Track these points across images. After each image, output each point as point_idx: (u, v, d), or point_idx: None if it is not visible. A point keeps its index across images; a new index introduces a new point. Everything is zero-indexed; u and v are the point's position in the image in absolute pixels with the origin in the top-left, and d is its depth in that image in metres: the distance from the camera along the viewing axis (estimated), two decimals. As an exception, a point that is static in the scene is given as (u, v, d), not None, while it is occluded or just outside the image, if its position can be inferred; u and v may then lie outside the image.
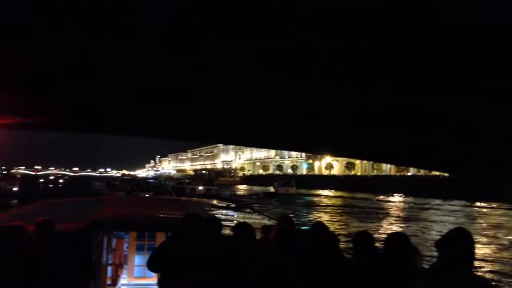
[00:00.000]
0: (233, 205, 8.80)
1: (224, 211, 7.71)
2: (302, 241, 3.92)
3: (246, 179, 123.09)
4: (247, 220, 5.41)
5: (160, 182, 55.09)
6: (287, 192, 64.92)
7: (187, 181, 60.72)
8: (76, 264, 4.16)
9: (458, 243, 2.88)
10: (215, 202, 9.46)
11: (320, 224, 4.21)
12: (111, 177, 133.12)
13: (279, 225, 4.23)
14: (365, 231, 4.12)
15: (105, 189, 44.64)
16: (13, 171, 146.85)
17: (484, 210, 41.54)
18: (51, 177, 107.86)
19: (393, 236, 3.72)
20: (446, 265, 2.88)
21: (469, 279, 2.83)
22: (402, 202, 49.98)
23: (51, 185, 75.47)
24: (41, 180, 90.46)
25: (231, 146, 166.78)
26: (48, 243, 3.96)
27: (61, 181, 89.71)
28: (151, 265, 4.19)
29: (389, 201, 52.25)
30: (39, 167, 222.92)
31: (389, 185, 67.91)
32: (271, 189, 70.39)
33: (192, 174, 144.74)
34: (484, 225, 29.35)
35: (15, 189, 49.58)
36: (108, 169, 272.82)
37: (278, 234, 3.91)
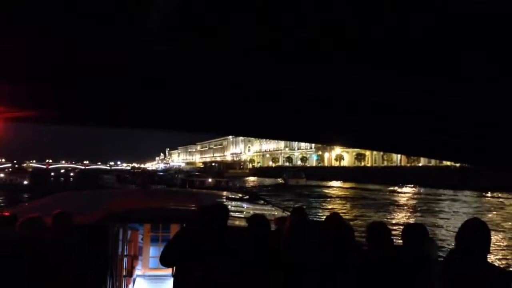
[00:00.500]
0: (246, 197, 8.79)
1: (238, 203, 7.72)
2: (315, 233, 3.89)
3: (256, 171, 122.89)
4: (261, 212, 5.40)
5: (170, 175, 55.08)
6: (297, 183, 64.99)
7: (196, 173, 60.66)
8: (93, 256, 4.18)
9: (474, 233, 2.90)
10: (229, 194, 9.48)
11: (335, 215, 4.18)
12: (121, 170, 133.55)
13: (293, 216, 4.22)
14: (380, 222, 4.09)
15: (115, 182, 44.56)
16: (24, 165, 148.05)
17: (498, 200, 41.02)
18: (62, 171, 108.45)
19: (410, 227, 3.74)
20: (462, 255, 2.90)
21: (485, 268, 2.85)
22: (416, 193, 49.39)
23: (62, 179, 76.00)
24: (52, 174, 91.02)
25: (240, 138, 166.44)
26: (66, 235, 3.99)
27: (72, 174, 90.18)
28: (164, 260, 4.09)
29: (403, 192, 51.77)
30: (50, 161, 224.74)
31: (400, 176, 67.49)
32: (280, 180, 70.25)
33: (201, 166, 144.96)
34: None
35: (25, 182, 49.98)
36: (118, 162, 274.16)
37: (291, 225, 3.88)
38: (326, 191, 55.32)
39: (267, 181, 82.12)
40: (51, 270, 3.49)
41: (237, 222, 5.30)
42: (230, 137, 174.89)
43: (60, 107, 4.40)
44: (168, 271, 5.75)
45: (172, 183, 39.83)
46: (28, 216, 3.75)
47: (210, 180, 44.00)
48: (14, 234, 3.72)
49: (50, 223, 4.04)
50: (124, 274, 6.15)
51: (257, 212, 5.41)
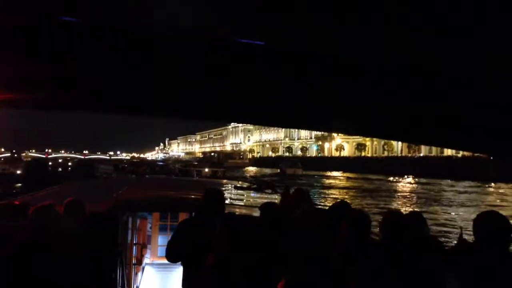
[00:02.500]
0: (254, 186, 9.27)
1: (246, 192, 8.08)
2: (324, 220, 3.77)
3: (256, 161, 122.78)
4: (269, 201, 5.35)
5: (167, 165, 54.68)
6: (294, 173, 67.08)
7: (194, 163, 61.35)
8: (104, 244, 4.15)
9: (491, 225, 2.90)
10: (237, 183, 9.89)
11: (344, 204, 4.15)
12: (120, 160, 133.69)
13: (296, 197, 4.31)
14: (395, 210, 4.03)
15: (112, 172, 43.77)
16: (23, 154, 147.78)
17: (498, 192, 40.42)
18: (60, 160, 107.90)
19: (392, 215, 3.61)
20: (482, 247, 2.89)
21: (507, 259, 2.84)
22: (424, 183, 48.54)
23: (60, 169, 75.34)
24: (50, 163, 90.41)
25: (240, 128, 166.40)
26: (78, 223, 4.01)
27: (70, 164, 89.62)
28: (170, 257, 4.15)
29: (410, 183, 51.13)
30: (50, 151, 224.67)
31: (401, 166, 67.07)
32: (278, 170, 72.77)
33: (201, 156, 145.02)
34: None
35: (18, 172, 48.89)
36: (118, 152, 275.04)
37: (302, 215, 3.66)
38: (330, 181, 54.76)
39: (267, 171, 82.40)
40: (65, 257, 3.48)
41: (244, 211, 5.44)
42: (230, 126, 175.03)
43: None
44: None
45: (172, 173, 39.27)
46: (41, 204, 3.73)
47: (206, 170, 44.47)
48: (26, 222, 3.72)
49: (62, 211, 4.03)
50: (133, 262, 6.20)
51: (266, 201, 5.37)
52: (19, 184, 35.79)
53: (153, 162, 79.69)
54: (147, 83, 3.86)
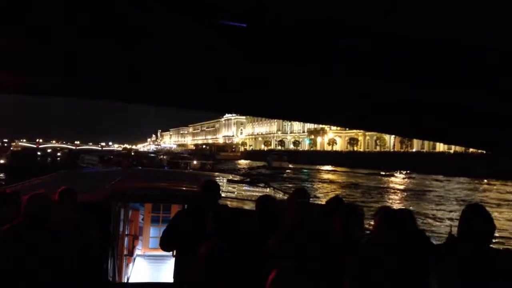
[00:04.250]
0: (247, 179, 9.12)
1: (239, 185, 7.98)
2: (318, 216, 3.89)
3: (248, 154, 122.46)
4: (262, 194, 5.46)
5: (156, 157, 54.13)
6: (281, 166, 69.37)
7: (183, 155, 61.50)
8: (95, 234, 4.17)
9: (479, 219, 2.91)
10: (230, 176, 9.73)
11: (338, 199, 4.14)
12: (106, 150, 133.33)
13: (295, 198, 4.23)
14: (387, 206, 4.03)
15: (97, 163, 43.07)
16: (13, 143, 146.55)
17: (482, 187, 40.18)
18: (49, 150, 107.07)
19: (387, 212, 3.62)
20: (465, 241, 2.91)
21: (490, 256, 2.88)
22: (422, 179, 48.30)
23: (49, 159, 74.62)
24: (39, 153, 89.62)
25: (233, 121, 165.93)
26: (71, 212, 4.03)
27: (59, 154, 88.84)
28: (164, 245, 4.17)
29: (409, 178, 50.84)
30: (41, 140, 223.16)
31: (393, 161, 66.93)
32: (265, 163, 76.25)
33: (193, 148, 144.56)
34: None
35: (1, 161, 48.13)
36: (110, 143, 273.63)
37: (296, 209, 3.82)
38: (324, 176, 54.42)
39: (259, 164, 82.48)
40: (58, 246, 3.53)
41: (236, 204, 5.54)
42: (223, 119, 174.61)
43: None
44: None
45: (160, 165, 38.64)
46: (35, 192, 3.73)
47: (195, 162, 44.29)
48: (18, 210, 3.80)
49: (56, 199, 4.01)
50: (125, 253, 6.22)
51: (257, 194, 5.51)
52: (1, 175, 35.03)
53: (142, 153, 79.05)
54: None
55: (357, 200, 27.21)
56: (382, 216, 3.45)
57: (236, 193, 7.02)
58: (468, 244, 2.91)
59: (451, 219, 18.93)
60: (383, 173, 56.08)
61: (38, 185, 5.93)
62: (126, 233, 6.40)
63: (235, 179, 8.96)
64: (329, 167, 72.46)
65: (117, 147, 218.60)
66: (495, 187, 40.41)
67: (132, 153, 67.80)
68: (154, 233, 7.98)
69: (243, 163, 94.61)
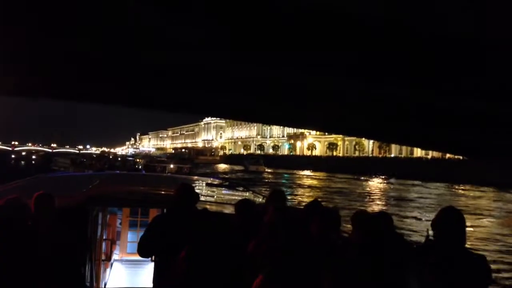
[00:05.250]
0: (226, 183, 8.94)
1: (218, 189, 7.86)
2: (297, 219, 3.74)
3: (227, 158, 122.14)
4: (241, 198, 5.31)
5: (132, 160, 53.47)
6: (257, 170, 72.31)
7: (163, 159, 61.48)
8: (73, 239, 4.09)
9: (449, 221, 3.02)
10: (208, 180, 9.50)
11: (316, 202, 4.14)
12: (89, 154, 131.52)
13: (272, 201, 4.29)
14: (363, 210, 4.12)
15: (69, 166, 42.14)
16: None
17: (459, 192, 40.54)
18: (23, 153, 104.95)
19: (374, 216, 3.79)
20: (440, 243, 3.01)
21: (463, 255, 2.98)
22: (399, 184, 48.61)
23: (23, 162, 72.97)
24: (13, 156, 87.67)
25: (212, 125, 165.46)
26: (48, 217, 3.94)
27: (34, 157, 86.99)
28: (142, 251, 4.09)
29: (387, 183, 51.04)
30: (16, 143, 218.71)
31: (372, 166, 67.39)
32: (242, 167, 78.91)
33: (172, 152, 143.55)
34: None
35: None
36: (88, 146, 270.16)
37: (274, 211, 3.73)
38: (306, 181, 54.35)
39: (238, 168, 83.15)
40: (33, 251, 3.47)
41: (217, 208, 5.46)
42: (202, 123, 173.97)
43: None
44: None
45: (134, 169, 37.92)
46: (9, 197, 3.67)
47: (172, 166, 43.68)
48: None
49: (32, 204, 3.93)
50: (102, 258, 6.14)
51: (237, 198, 5.48)
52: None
53: (115, 157, 78.09)
54: None
55: (336, 203, 27.11)
56: (357, 219, 3.61)
57: (215, 197, 6.91)
58: (444, 244, 3.01)
59: (428, 221, 18.91)
60: (362, 178, 56.35)
61: (12, 189, 5.62)
62: (103, 237, 6.36)
63: (214, 182, 8.68)
64: (308, 172, 72.58)
65: (95, 150, 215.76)
66: (471, 193, 40.80)
67: (110, 157, 66.88)
68: (132, 237, 7.91)
69: (222, 167, 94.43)
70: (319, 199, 4.70)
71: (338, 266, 3.12)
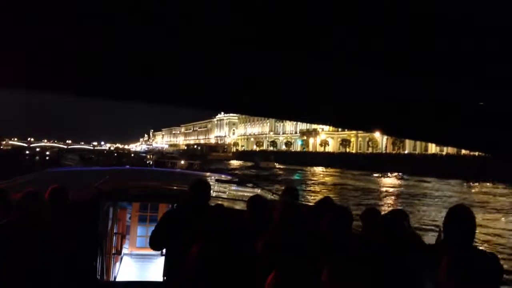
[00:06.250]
0: (236, 180, 8.99)
1: (228, 185, 7.93)
2: (308, 216, 3.87)
3: (239, 155, 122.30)
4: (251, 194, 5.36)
5: (142, 156, 53.79)
6: (267, 166, 73.36)
7: (168, 154, 62.35)
8: (85, 233, 4.14)
9: (459, 219, 2.98)
10: (218, 176, 9.61)
11: (327, 199, 4.25)
12: (86, 149, 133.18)
13: (284, 197, 4.49)
14: (373, 207, 4.21)
15: (78, 162, 42.53)
16: (3, 142, 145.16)
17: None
18: (37, 149, 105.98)
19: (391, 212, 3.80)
20: (451, 242, 2.98)
21: (475, 253, 2.90)
22: (413, 181, 47.98)
23: (37, 158, 73.63)
24: (27, 152, 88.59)
25: (225, 121, 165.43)
26: (62, 211, 3.99)
27: (47, 153, 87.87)
28: (154, 244, 4.17)
29: (400, 180, 50.36)
30: (32, 139, 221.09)
31: (386, 163, 66.58)
32: (252, 163, 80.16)
33: (184, 148, 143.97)
34: None
35: None
36: (102, 143, 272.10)
37: (282, 207, 3.70)
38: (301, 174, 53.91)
39: (248, 164, 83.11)
40: (47, 246, 3.50)
41: (229, 204, 5.44)
42: (215, 119, 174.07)
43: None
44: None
45: (144, 165, 38.11)
46: (27, 190, 3.70)
47: (182, 162, 43.90)
48: (7, 207, 3.89)
49: (46, 198, 3.93)
50: (113, 252, 6.23)
51: (247, 194, 5.52)
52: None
53: (123, 153, 78.75)
54: None
55: (349, 201, 26.77)
56: (367, 216, 3.76)
57: (227, 193, 7.04)
58: (455, 243, 2.98)
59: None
60: (375, 174, 55.73)
61: (25, 183, 5.69)
62: (114, 231, 6.44)
63: (224, 179, 8.88)
64: (321, 168, 72.12)
65: (109, 147, 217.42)
66: (486, 189, 40.09)
67: (115, 153, 67.22)
68: (141, 232, 8.02)
69: (234, 163, 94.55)
70: (333, 196, 4.71)
71: (346, 264, 2.92)
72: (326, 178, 51.87)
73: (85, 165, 37.32)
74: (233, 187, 8.07)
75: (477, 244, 3.04)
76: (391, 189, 39.26)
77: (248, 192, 7.10)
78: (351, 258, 2.96)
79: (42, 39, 3.33)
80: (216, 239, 3.31)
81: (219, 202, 5.19)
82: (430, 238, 12.52)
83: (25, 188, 3.96)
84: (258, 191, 7.55)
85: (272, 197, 6.40)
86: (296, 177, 53.14)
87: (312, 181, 46.51)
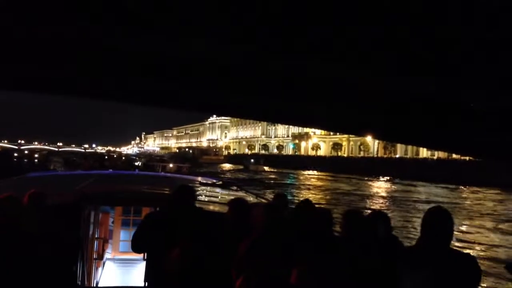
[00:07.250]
0: (219, 183, 8.93)
1: (211, 188, 7.91)
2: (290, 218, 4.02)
3: (231, 158, 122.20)
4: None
5: (135, 159, 53.58)
6: (257, 169, 75.44)
7: (163, 158, 62.13)
8: (65, 237, 4.15)
9: (435, 221, 2.98)
10: (202, 179, 9.72)
11: (307, 201, 4.36)
12: (76, 152, 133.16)
13: (274, 201, 4.77)
14: (354, 209, 4.59)
15: (62, 165, 42.09)
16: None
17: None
18: (26, 152, 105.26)
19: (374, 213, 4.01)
20: (427, 242, 2.98)
21: (451, 255, 2.95)
22: (404, 185, 48.06)
23: (25, 160, 72.90)
24: (15, 154, 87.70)
25: (217, 124, 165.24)
26: (40, 215, 3.98)
27: (36, 156, 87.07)
28: (136, 247, 4.08)
29: (391, 184, 50.31)
30: (23, 142, 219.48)
31: (377, 166, 66.70)
32: (243, 166, 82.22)
33: (176, 151, 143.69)
34: None
35: None
36: (93, 145, 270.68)
37: (266, 211, 3.84)
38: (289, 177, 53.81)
39: (239, 167, 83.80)
40: (26, 250, 3.51)
41: (211, 207, 5.58)
42: (207, 122, 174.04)
43: None
44: (139, 255, 5.83)
45: (130, 168, 37.73)
46: (3, 195, 3.69)
47: (171, 165, 43.89)
48: None
49: (25, 202, 3.99)
50: (94, 256, 6.16)
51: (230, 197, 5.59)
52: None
53: (102, 155, 78.73)
54: None
55: (341, 204, 26.59)
56: (349, 218, 3.76)
57: (211, 195, 7.07)
58: (431, 244, 2.96)
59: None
60: (366, 178, 55.71)
61: (6, 187, 5.69)
62: (96, 236, 6.38)
63: (208, 182, 8.85)
64: (313, 172, 72.18)
65: (101, 149, 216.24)
66: (479, 194, 40.07)
67: (105, 156, 66.89)
68: (124, 236, 7.92)
69: (225, 166, 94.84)
70: (328, 200, 4.62)
71: (323, 263, 2.94)
72: (319, 182, 51.78)
73: (68, 168, 36.88)
74: (217, 190, 8.02)
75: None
76: (382, 193, 39.26)
77: (232, 195, 7.08)
78: (325, 258, 3.03)
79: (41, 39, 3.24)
80: (198, 241, 3.30)
81: (201, 206, 5.21)
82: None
83: (3, 192, 3.95)
84: (241, 193, 7.54)
85: (254, 200, 6.39)
86: (288, 181, 53.00)
87: (306, 186, 46.38)
